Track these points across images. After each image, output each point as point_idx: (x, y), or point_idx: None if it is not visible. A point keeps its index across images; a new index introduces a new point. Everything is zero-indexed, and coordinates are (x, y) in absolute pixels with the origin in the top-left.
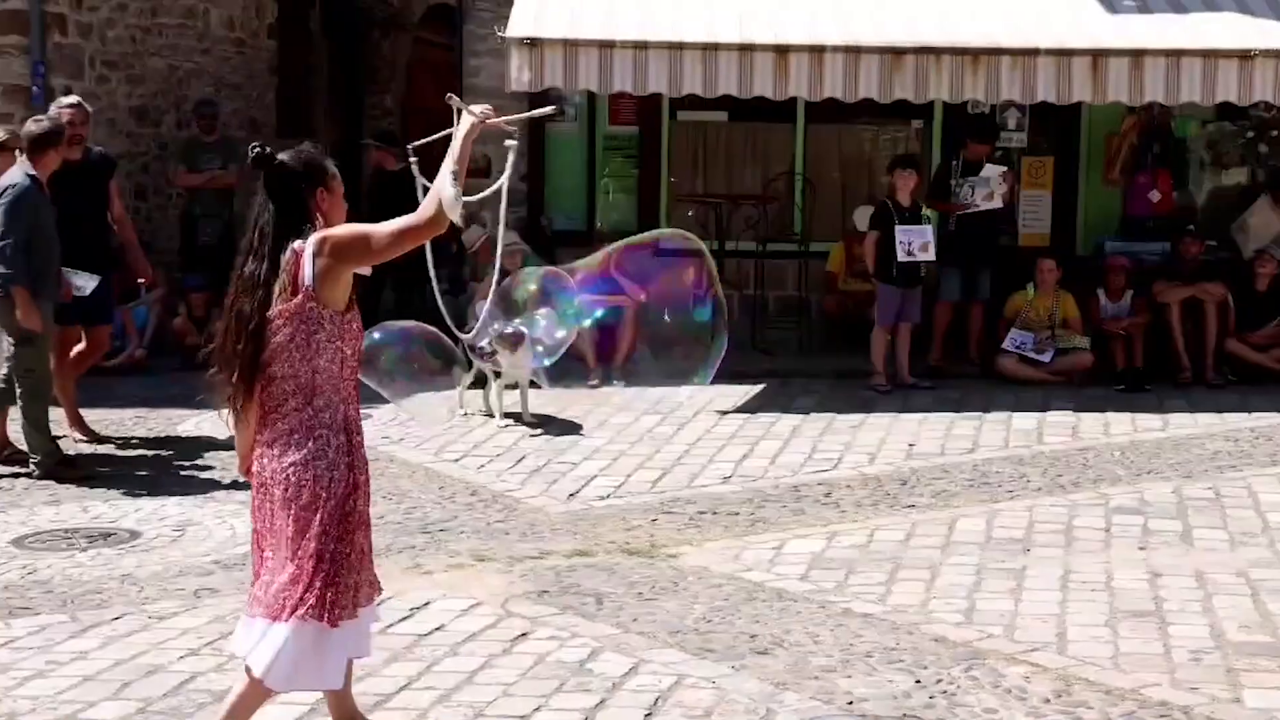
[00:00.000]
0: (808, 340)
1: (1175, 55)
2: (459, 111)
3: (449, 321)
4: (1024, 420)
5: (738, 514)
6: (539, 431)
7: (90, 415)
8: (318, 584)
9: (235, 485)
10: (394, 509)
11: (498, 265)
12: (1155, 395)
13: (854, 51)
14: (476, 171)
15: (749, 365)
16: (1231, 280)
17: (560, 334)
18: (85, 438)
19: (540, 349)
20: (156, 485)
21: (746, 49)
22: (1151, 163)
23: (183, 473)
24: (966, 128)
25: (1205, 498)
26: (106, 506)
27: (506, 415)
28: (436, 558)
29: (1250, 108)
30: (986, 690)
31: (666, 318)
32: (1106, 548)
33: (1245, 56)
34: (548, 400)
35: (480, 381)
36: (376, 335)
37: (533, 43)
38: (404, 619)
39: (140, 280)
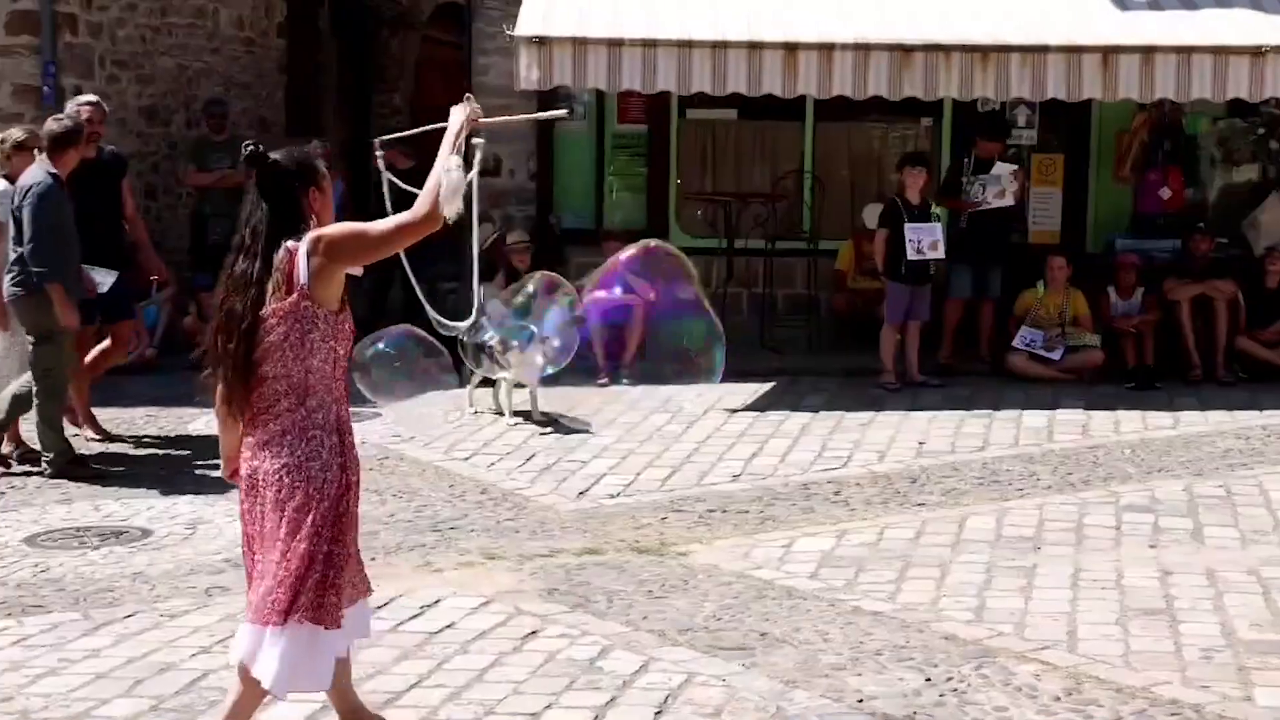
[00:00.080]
0: (817, 338)
1: (1186, 52)
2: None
3: (435, 318)
4: (1034, 418)
5: (747, 512)
6: (548, 430)
7: (102, 414)
8: (311, 586)
9: None
10: (404, 507)
11: (476, 263)
12: (1166, 393)
13: (863, 49)
14: (485, 172)
15: (758, 363)
16: (1242, 277)
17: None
18: (97, 436)
19: (542, 357)
20: (168, 483)
21: (755, 47)
22: (1162, 160)
23: (194, 471)
24: (977, 126)
25: (1216, 495)
26: (118, 505)
27: (515, 413)
28: (447, 556)
29: (1261, 104)
30: (997, 688)
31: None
32: (1117, 546)
33: (1257, 53)
34: (557, 398)
35: (489, 380)
36: (381, 344)
37: (541, 41)
38: (414, 617)
39: (153, 278)
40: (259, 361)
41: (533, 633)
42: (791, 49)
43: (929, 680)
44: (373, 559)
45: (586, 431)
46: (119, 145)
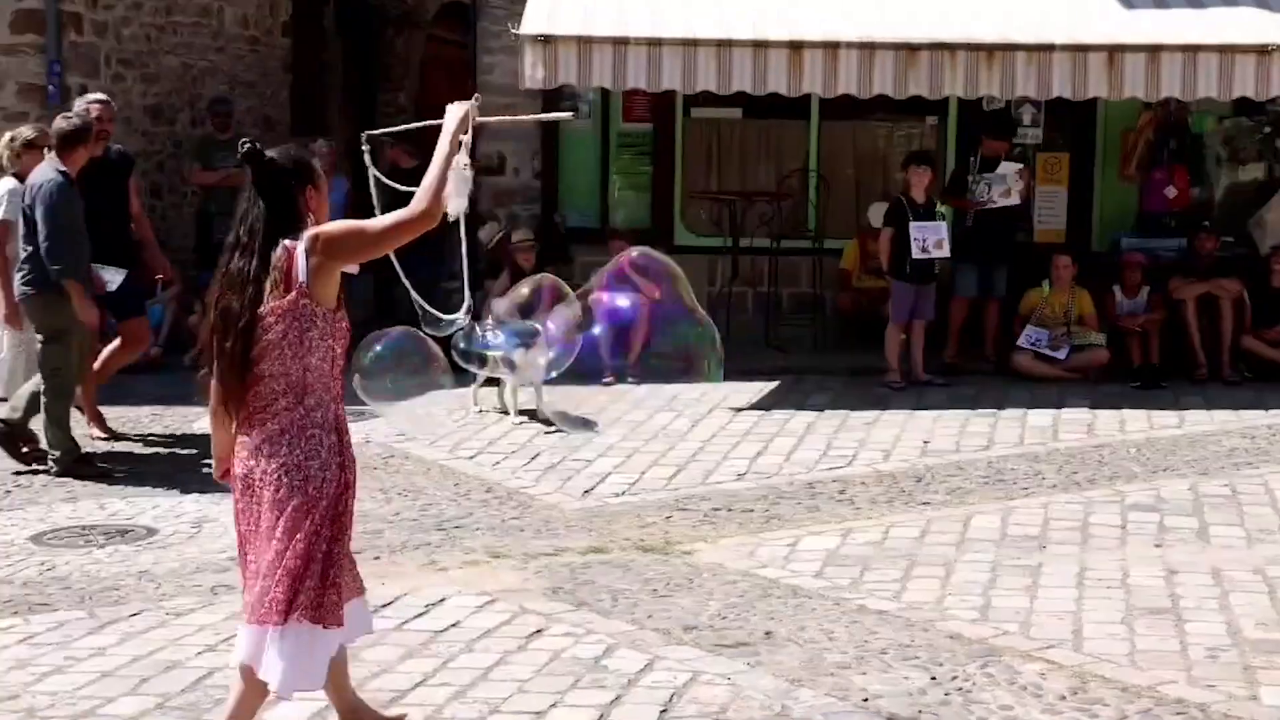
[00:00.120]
0: (822, 337)
1: (1192, 51)
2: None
3: (421, 303)
4: (1039, 417)
5: (752, 511)
6: (553, 428)
7: (107, 412)
8: (310, 585)
9: None
10: (409, 506)
11: (465, 259)
12: (1171, 392)
13: (869, 47)
14: (489, 170)
15: (763, 362)
16: (1248, 276)
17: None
18: (103, 435)
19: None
20: (173, 482)
21: (761, 45)
22: (1168, 158)
23: (199, 470)
24: (983, 125)
25: (1221, 494)
26: (124, 503)
27: (521, 412)
28: (452, 554)
29: (1268, 103)
30: (1002, 687)
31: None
32: (1122, 545)
33: (1263, 51)
34: (562, 397)
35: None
36: (378, 348)
37: (546, 40)
38: (419, 615)
39: (158, 277)
40: (256, 360)
41: (538, 631)
42: (797, 48)
43: (934, 679)
44: (377, 558)
45: (591, 430)
46: (124, 144)
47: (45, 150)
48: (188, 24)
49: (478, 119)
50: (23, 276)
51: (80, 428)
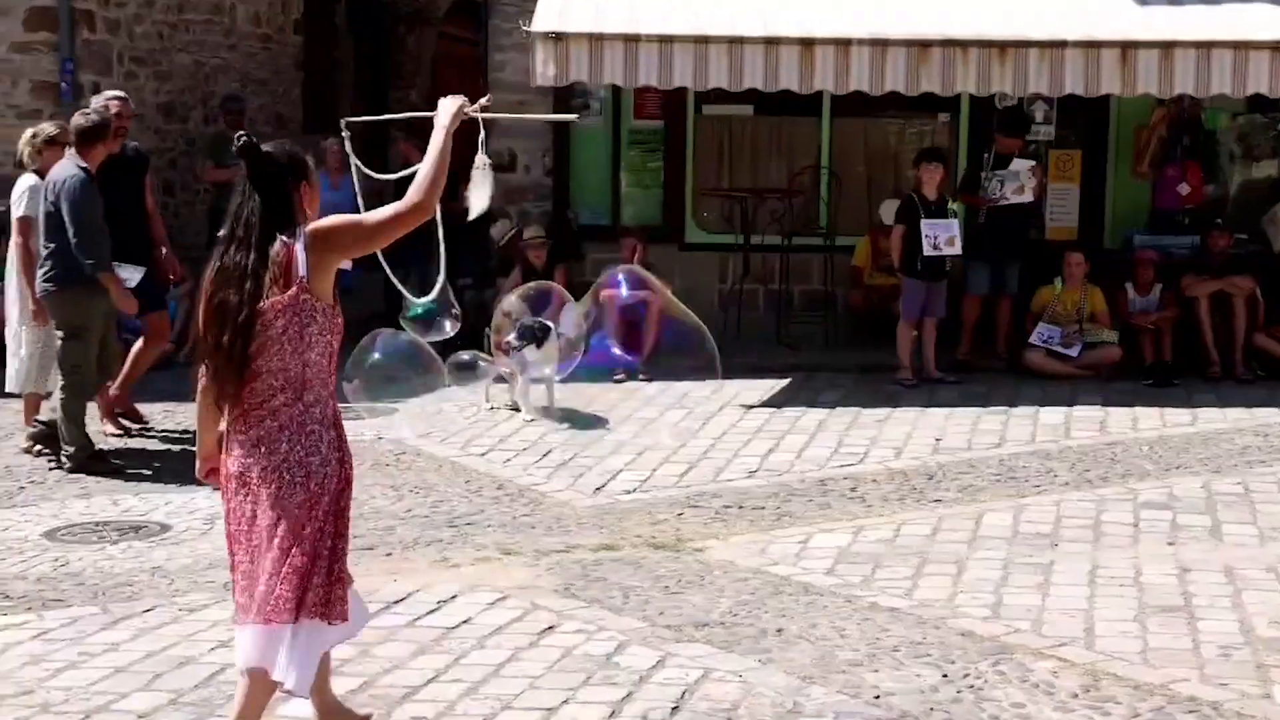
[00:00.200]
0: (833, 334)
1: (1206, 47)
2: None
3: (407, 296)
4: (1051, 415)
5: (763, 508)
6: (564, 425)
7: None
8: (318, 583)
9: None
10: (421, 502)
11: (443, 244)
12: (1184, 390)
13: (880, 44)
14: (502, 167)
15: (774, 359)
16: (1261, 274)
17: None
18: (117, 432)
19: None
20: (186, 478)
21: (772, 42)
22: (1181, 155)
23: None
24: (997, 122)
25: (1234, 493)
26: (136, 500)
27: (533, 409)
28: (463, 551)
29: None
30: (1014, 685)
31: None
32: (1135, 543)
33: (1277, 48)
34: (573, 394)
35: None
36: (377, 355)
37: (558, 37)
38: (431, 612)
39: (170, 277)
40: (253, 355)
41: (549, 628)
42: (808, 44)
43: (946, 677)
44: (389, 554)
45: (603, 427)
46: (137, 141)
47: (65, 147)
48: (200, 22)
49: (479, 114)
50: (44, 273)
51: (93, 424)
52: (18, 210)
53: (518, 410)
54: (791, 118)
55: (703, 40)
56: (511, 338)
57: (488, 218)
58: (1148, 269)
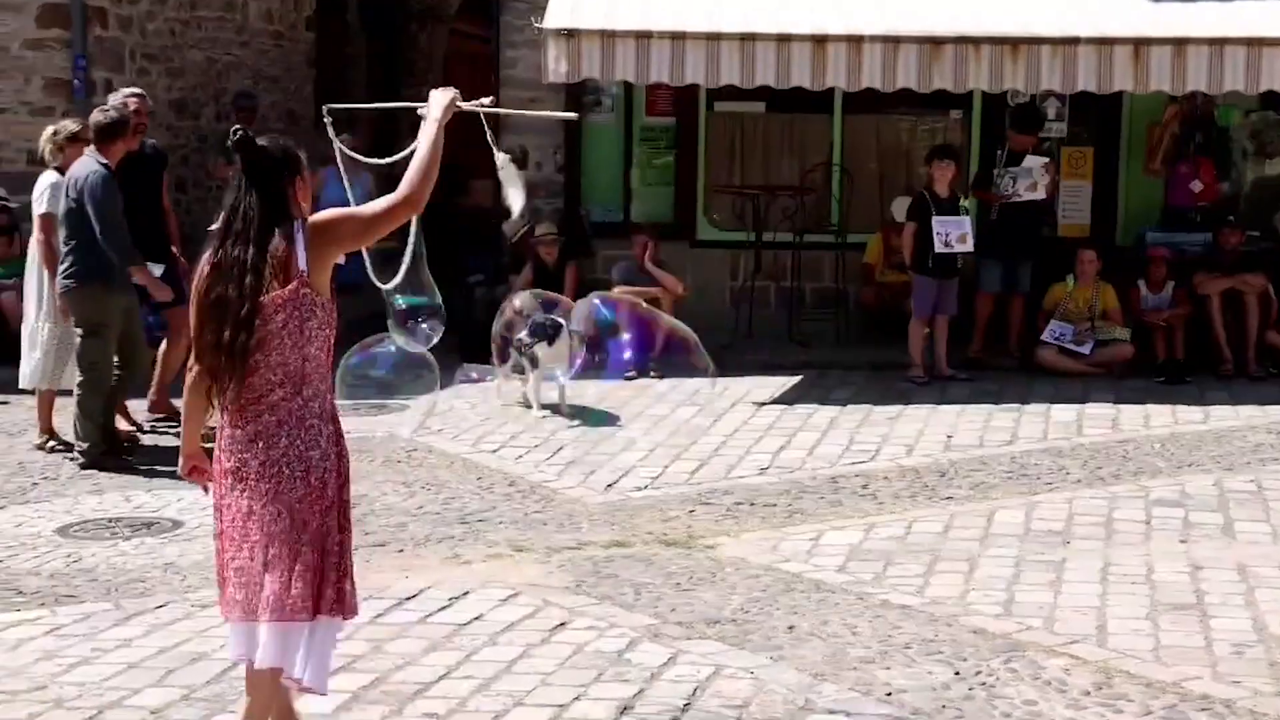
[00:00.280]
0: (845, 331)
1: (1219, 44)
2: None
3: (378, 284)
4: (1063, 412)
5: (775, 505)
6: (576, 422)
7: (133, 405)
8: (332, 579)
9: None
10: (432, 499)
11: (414, 235)
12: (1196, 387)
13: (892, 41)
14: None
15: (786, 357)
16: (1273, 271)
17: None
18: (130, 428)
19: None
20: None
21: (784, 39)
22: (1193, 152)
23: None
24: (1010, 119)
25: (1247, 490)
26: (149, 496)
27: (544, 406)
28: (475, 548)
29: None
30: (1026, 682)
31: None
32: (1147, 540)
33: None
34: (585, 391)
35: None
36: (367, 355)
37: (570, 34)
38: (443, 608)
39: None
40: (252, 351)
41: (561, 625)
42: (820, 41)
43: (958, 674)
44: (401, 551)
45: (614, 424)
46: (155, 139)
47: (86, 144)
48: (212, 19)
49: (476, 109)
50: (64, 270)
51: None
52: (40, 207)
53: (529, 407)
54: (803, 115)
55: (715, 37)
56: (523, 335)
57: (497, 214)
58: (1160, 266)
